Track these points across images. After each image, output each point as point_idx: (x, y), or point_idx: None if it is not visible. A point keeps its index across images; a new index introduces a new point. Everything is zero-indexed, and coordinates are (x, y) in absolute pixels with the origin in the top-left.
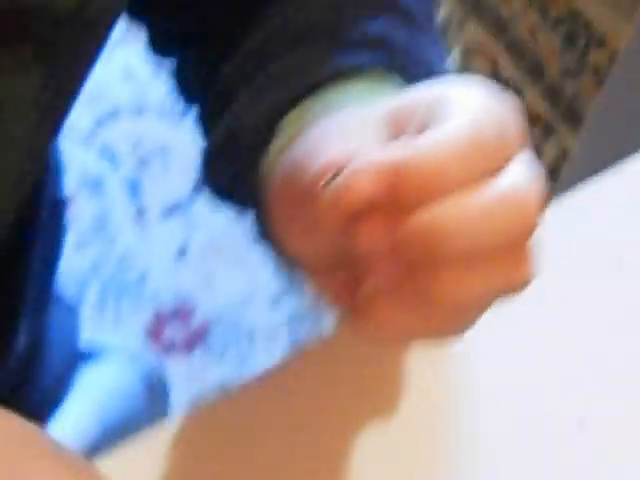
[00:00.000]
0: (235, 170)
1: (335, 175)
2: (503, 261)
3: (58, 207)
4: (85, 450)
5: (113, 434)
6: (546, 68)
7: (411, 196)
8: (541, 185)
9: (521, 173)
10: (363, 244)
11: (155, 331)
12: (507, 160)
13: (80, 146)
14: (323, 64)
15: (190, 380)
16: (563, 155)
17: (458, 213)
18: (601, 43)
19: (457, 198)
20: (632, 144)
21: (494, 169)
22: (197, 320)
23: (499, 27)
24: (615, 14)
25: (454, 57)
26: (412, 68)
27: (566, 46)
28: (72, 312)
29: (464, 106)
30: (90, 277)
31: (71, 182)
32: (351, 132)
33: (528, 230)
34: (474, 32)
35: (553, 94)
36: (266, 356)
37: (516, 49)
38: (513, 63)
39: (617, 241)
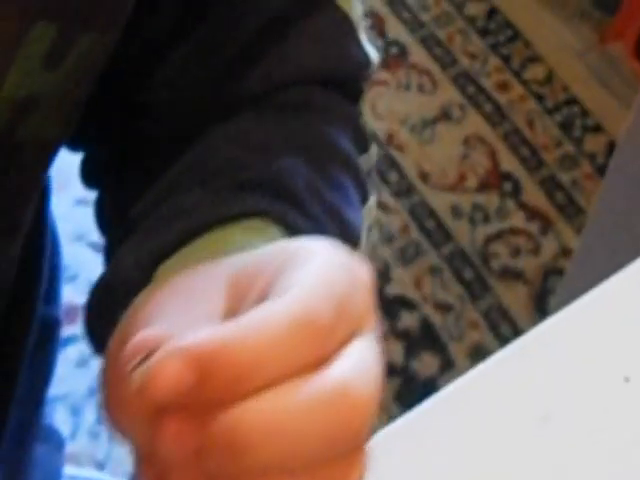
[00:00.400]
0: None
1: (144, 358)
2: (328, 469)
3: (50, 327)
4: None
5: None
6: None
7: (219, 391)
8: (378, 375)
9: (356, 362)
10: (163, 445)
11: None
12: (343, 342)
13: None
14: (209, 207)
15: None
16: (562, 252)
17: (268, 416)
18: (598, 129)
19: (272, 396)
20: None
21: (326, 353)
22: None
23: (498, 116)
24: (612, 101)
25: (457, 147)
26: (300, 217)
27: (563, 133)
28: (59, 448)
29: (306, 277)
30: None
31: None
32: (190, 297)
33: (355, 434)
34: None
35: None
36: None
37: (514, 138)
38: (511, 152)
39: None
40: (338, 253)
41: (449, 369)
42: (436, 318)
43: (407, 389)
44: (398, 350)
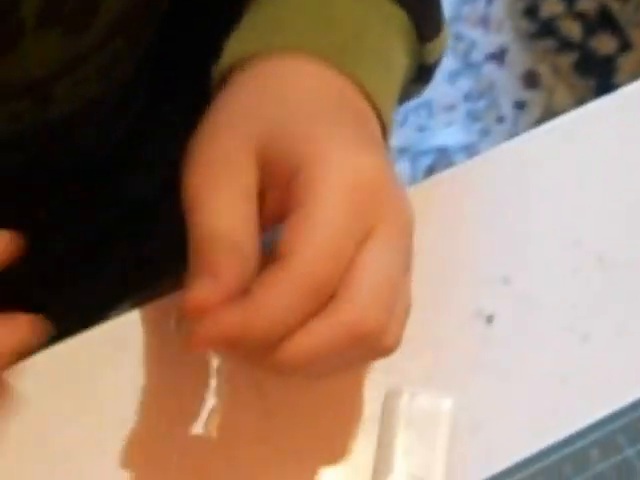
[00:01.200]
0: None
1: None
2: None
3: None
4: None
5: None
6: None
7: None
8: (390, 284)
9: (368, 287)
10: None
11: None
12: (359, 244)
13: None
14: None
15: None
16: None
17: (303, 352)
18: None
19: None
20: None
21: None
22: None
23: None
24: None
25: None
26: None
27: None
28: None
29: (324, 196)
30: None
31: None
32: (229, 169)
33: (370, 352)
34: None
35: None
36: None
37: None
38: None
39: None
40: (348, 156)
41: (627, 50)
42: (614, 6)
43: (585, 64)
44: (576, 28)
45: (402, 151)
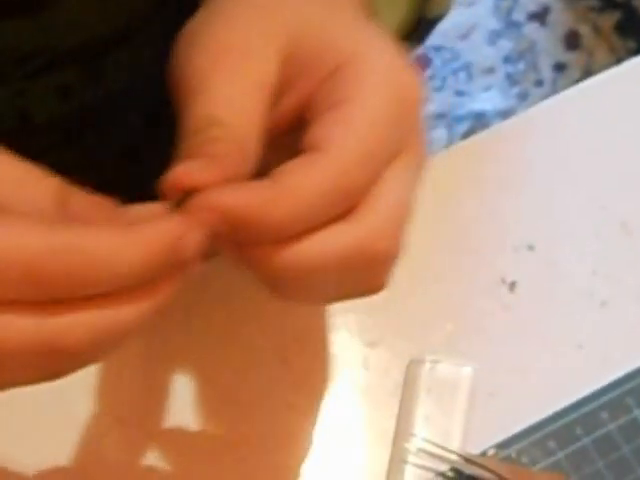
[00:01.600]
0: None
1: (182, 197)
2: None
3: None
4: None
5: None
6: None
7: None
8: (407, 207)
9: (386, 209)
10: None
11: None
12: (378, 174)
13: None
14: None
15: None
16: None
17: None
18: None
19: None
20: None
21: (356, 201)
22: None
23: None
24: None
25: None
26: None
27: None
28: None
29: (370, 100)
30: None
31: None
32: (246, 57)
33: (376, 277)
34: None
35: None
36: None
37: None
38: None
39: None
40: (393, 67)
41: None
42: None
43: (627, 24)
44: None
45: (440, 117)
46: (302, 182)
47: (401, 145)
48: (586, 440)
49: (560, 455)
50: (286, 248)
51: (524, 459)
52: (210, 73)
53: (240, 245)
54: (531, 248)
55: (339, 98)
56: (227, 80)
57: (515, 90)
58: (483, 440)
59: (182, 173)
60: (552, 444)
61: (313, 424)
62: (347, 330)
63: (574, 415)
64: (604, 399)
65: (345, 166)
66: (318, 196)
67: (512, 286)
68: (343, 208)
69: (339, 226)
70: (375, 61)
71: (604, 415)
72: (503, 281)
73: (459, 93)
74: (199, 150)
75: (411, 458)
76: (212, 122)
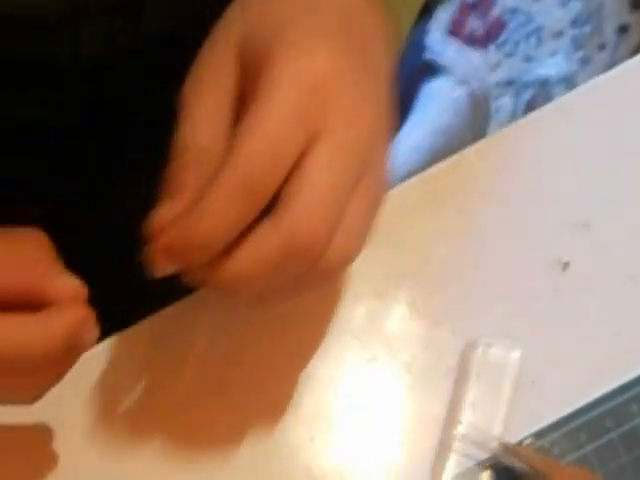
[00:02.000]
0: None
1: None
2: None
3: None
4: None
5: (438, 147)
6: None
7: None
8: (331, 194)
9: (306, 199)
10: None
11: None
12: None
13: None
14: None
15: None
16: None
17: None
18: None
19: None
20: None
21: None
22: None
23: None
24: None
25: None
26: None
27: None
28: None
29: (270, 95)
30: None
31: None
32: (217, 73)
33: (308, 261)
34: None
35: None
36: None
37: None
38: None
39: None
40: (303, 58)
41: None
42: None
43: None
44: None
45: (508, 84)
46: (211, 195)
47: (318, 127)
48: (614, 434)
49: (588, 449)
50: (220, 266)
51: (556, 450)
52: (188, 98)
53: (194, 271)
54: (587, 227)
55: (250, 98)
56: (200, 104)
57: (579, 54)
58: (522, 428)
59: (156, 223)
60: (582, 436)
61: (365, 409)
62: (406, 309)
63: (605, 406)
64: (635, 391)
65: (242, 161)
66: (226, 201)
67: (566, 266)
68: (260, 203)
69: (264, 226)
70: (287, 57)
71: (635, 407)
72: (559, 261)
73: (528, 58)
74: (175, 177)
75: (456, 445)
76: (184, 150)
